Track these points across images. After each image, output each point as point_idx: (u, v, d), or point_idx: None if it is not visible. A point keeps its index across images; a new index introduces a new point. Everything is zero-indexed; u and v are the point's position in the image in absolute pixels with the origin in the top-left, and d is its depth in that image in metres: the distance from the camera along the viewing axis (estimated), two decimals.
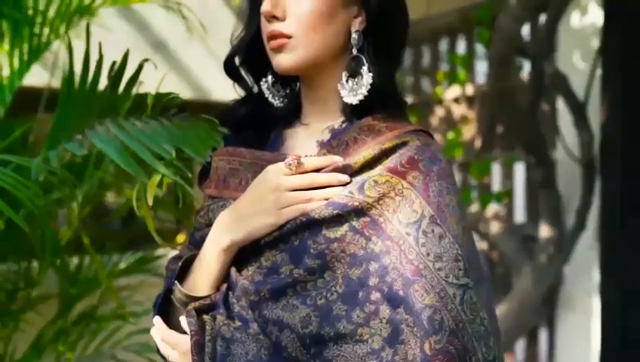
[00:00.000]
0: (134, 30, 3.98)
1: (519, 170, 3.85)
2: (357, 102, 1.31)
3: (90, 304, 2.74)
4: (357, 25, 1.33)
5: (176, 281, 1.33)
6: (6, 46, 2.44)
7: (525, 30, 3.45)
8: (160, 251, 3.07)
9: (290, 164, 1.26)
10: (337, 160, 1.27)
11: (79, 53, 2.01)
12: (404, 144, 1.27)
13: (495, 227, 3.43)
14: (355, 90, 1.31)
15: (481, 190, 3.87)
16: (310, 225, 1.24)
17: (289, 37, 1.31)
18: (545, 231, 3.18)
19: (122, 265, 2.85)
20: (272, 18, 1.31)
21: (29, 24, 2.40)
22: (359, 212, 1.22)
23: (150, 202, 1.49)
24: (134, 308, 2.77)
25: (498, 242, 3.38)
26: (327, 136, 1.34)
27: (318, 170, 1.27)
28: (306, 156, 1.29)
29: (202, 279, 1.31)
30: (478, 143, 3.75)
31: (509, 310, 3.12)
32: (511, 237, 3.36)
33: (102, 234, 2.96)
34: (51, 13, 2.42)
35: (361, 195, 1.23)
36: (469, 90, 4.02)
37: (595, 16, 3.32)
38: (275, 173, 1.28)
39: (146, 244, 3.05)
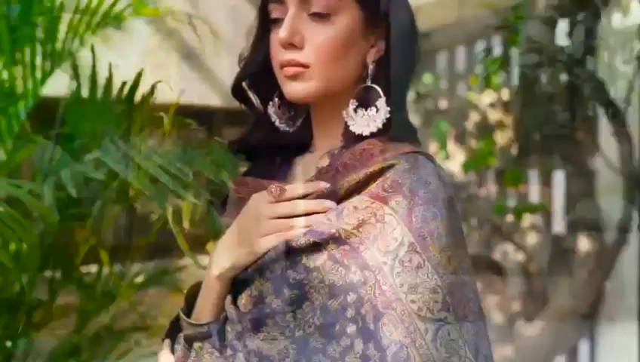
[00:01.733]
0: (163, 38, 3.95)
1: (559, 177, 3.74)
2: (368, 133, 1.27)
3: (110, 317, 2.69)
4: (373, 55, 1.29)
5: (180, 308, 1.34)
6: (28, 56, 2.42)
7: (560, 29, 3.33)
8: (185, 261, 3.03)
9: (272, 192, 1.24)
10: (322, 186, 1.24)
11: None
12: (390, 167, 1.21)
13: (532, 238, 3.32)
14: (367, 122, 1.27)
15: (518, 199, 3.76)
16: (289, 253, 1.20)
17: (306, 66, 1.27)
18: (584, 244, 3.07)
19: (140, 278, 2.79)
20: (289, 45, 1.27)
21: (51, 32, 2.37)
22: (338, 240, 1.18)
23: (186, 226, 1.47)
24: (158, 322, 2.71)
25: (534, 254, 3.27)
26: (326, 162, 1.29)
27: (304, 197, 1.24)
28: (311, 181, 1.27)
29: (203, 307, 1.31)
30: (514, 150, 3.63)
31: (545, 325, 3.02)
32: (548, 250, 3.25)
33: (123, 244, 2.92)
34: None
35: (339, 222, 1.19)
36: (505, 94, 3.92)
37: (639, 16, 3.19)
38: (256, 202, 1.26)
39: (174, 252, 3.02)
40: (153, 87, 1.77)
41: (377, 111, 1.26)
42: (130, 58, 1.75)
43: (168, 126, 1.58)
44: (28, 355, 2.49)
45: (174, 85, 1.84)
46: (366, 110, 1.27)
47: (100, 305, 2.63)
